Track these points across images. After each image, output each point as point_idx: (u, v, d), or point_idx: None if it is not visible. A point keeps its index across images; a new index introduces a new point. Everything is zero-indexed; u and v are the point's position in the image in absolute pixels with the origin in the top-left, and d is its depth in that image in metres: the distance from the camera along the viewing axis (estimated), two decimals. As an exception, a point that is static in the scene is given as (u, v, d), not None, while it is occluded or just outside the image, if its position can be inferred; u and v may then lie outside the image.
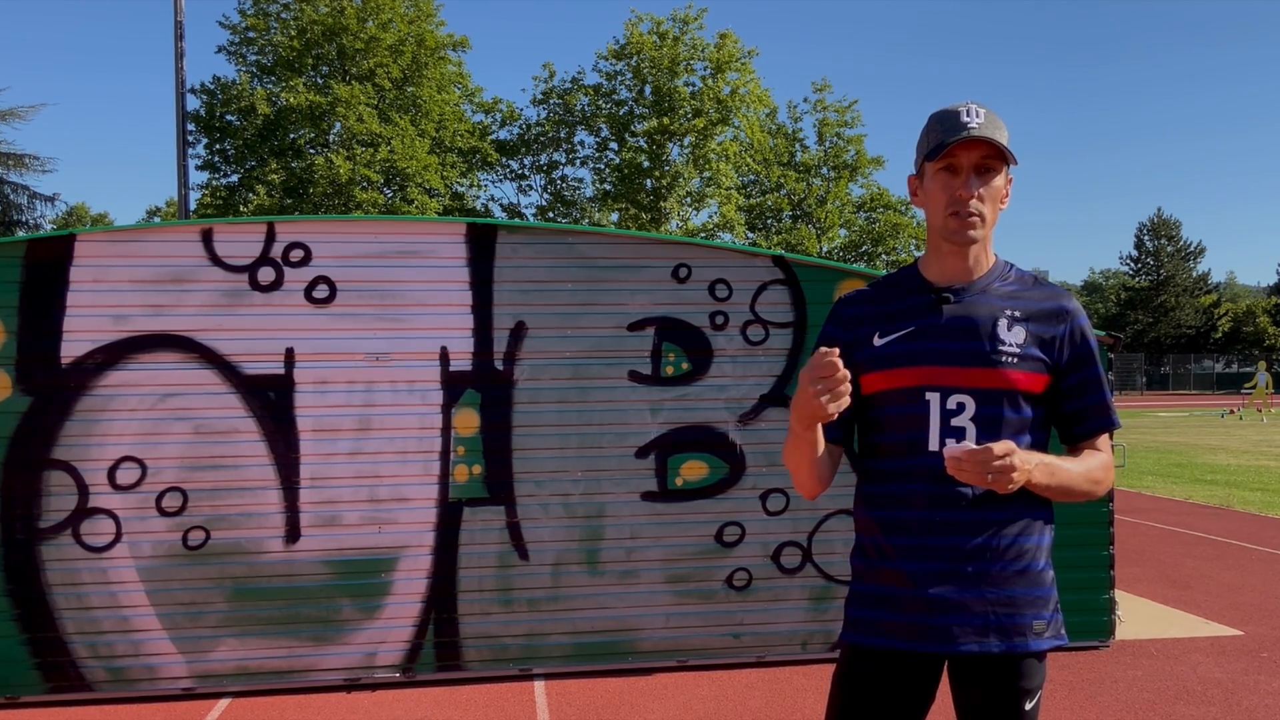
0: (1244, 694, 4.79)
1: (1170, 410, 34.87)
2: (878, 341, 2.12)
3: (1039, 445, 2.08)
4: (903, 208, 36.70)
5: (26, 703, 4.73)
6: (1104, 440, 2.14)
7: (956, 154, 2.02)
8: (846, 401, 1.87)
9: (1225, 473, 14.28)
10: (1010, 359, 2.03)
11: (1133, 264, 65.40)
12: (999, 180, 2.06)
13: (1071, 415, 2.11)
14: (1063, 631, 2.11)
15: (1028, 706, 2.06)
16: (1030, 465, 1.93)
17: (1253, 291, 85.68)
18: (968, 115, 2.02)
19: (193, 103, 28.45)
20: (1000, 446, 1.86)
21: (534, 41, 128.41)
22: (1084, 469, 2.06)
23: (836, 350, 1.85)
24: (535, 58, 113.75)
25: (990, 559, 2.02)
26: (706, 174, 32.80)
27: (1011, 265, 2.16)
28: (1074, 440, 2.13)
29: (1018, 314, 2.07)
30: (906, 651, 2.06)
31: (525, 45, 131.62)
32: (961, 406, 2.03)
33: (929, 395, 2.04)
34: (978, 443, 1.98)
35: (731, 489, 5.20)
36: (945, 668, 2.13)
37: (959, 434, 2.01)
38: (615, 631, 5.12)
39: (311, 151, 29.99)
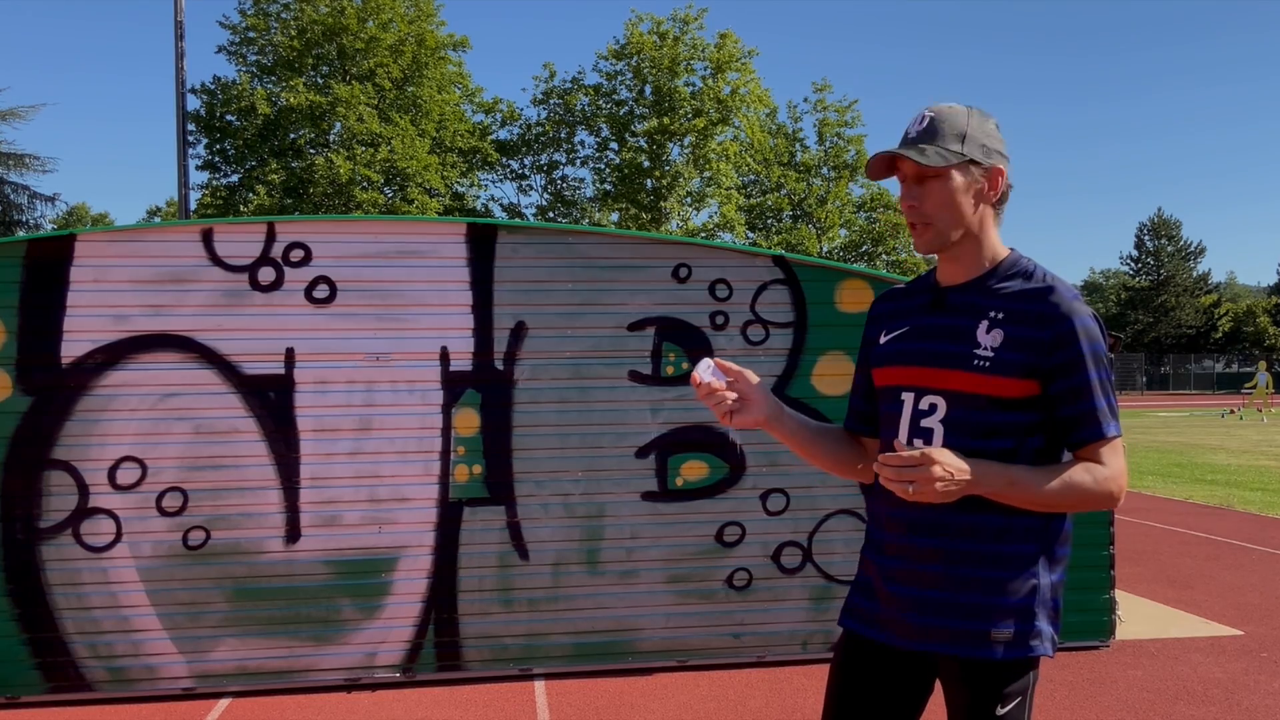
0: (1244, 694, 4.79)
1: (1170, 410, 34.88)
2: (883, 339, 2.18)
3: (1028, 451, 2.00)
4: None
5: (26, 703, 4.73)
6: (1107, 450, 1.98)
7: (898, 165, 2.07)
8: (732, 409, 2.12)
9: (1225, 473, 14.28)
10: (982, 363, 1.98)
11: (1133, 264, 65.43)
12: (950, 184, 2.01)
13: (1064, 423, 2.01)
14: (1034, 643, 1.99)
15: (1000, 711, 2.00)
16: (970, 475, 1.89)
17: (1253, 291, 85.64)
18: (912, 124, 2.06)
19: (193, 103, 28.48)
20: (911, 454, 1.86)
21: (534, 41, 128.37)
22: (1064, 482, 1.95)
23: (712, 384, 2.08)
24: (535, 58, 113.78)
25: (957, 562, 1.99)
26: (707, 174, 32.82)
27: (1019, 263, 2.08)
28: (1071, 449, 2.03)
29: (1001, 316, 2.01)
30: (884, 643, 2.10)
31: (525, 45, 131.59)
32: (933, 408, 2.03)
33: (904, 395, 2.07)
34: (945, 444, 1.98)
35: (732, 489, 5.20)
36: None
37: (927, 435, 2.02)
38: (615, 631, 5.12)
39: (311, 151, 30.00)
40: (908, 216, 2.08)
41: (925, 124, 2.04)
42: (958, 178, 2.02)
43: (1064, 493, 1.95)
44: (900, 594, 2.05)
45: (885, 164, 2.09)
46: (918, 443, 2.02)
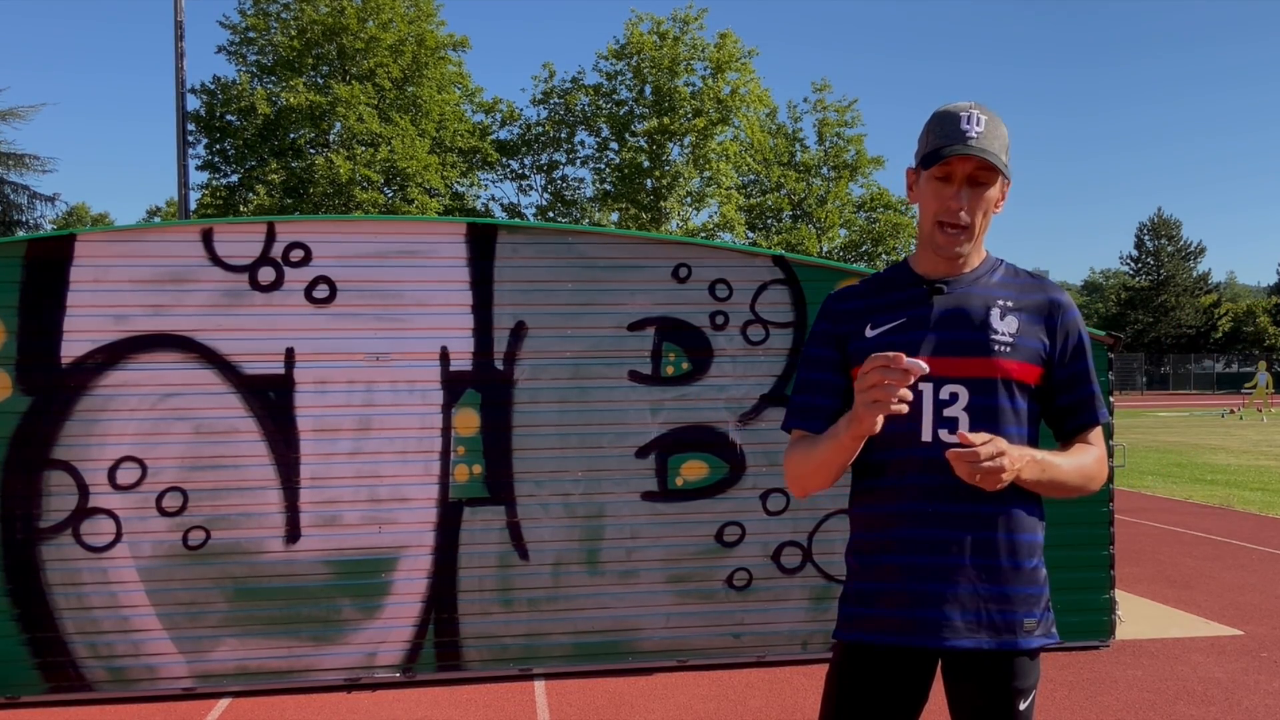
0: (1244, 694, 4.79)
1: (1170, 410, 34.88)
2: (869, 333, 2.10)
3: (1030, 440, 2.06)
4: (903, 207, 36.70)
5: (26, 703, 4.73)
6: (1096, 434, 2.13)
7: (952, 164, 2.02)
8: (905, 407, 1.85)
9: (1225, 473, 14.28)
10: (1004, 348, 2.02)
11: (1133, 264, 65.42)
12: (992, 192, 2.05)
13: (1064, 410, 2.10)
14: (1053, 630, 2.09)
15: (1022, 706, 2.05)
16: (1021, 463, 1.92)
17: (1253, 291, 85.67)
18: (968, 123, 2.00)
19: (193, 103, 28.48)
20: (988, 447, 1.85)
21: (534, 41, 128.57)
22: (1075, 464, 2.05)
23: (900, 356, 1.81)
24: (535, 58, 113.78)
25: (983, 553, 2.01)
26: (706, 174, 32.81)
27: (1001, 260, 2.16)
28: (1066, 436, 2.13)
29: (1010, 304, 2.06)
30: (898, 647, 2.05)
31: (525, 45, 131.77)
32: (955, 397, 2.01)
33: (921, 386, 2.02)
34: (971, 432, 1.97)
35: (732, 489, 5.20)
36: (940, 666, 2.12)
37: (952, 424, 2.00)
38: (615, 631, 5.12)
39: (311, 151, 30.01)
40: (949, 217, 2.03)
41: (984, 127, 2.01)
42: (998, 188, 2.07)
43: (1078, 475, 2.04)
44: (930, 592, 2.01)
45: (960, 157, 1.99)
46: (943, 433, 2.00)
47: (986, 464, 1.84)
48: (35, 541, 4.74)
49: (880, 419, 1.86)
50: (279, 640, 4.89)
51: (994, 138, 2.02)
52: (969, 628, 2.00)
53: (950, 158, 1.99)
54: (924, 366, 1.82)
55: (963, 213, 2.02)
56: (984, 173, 2.02)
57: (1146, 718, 4.52)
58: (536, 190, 35.05)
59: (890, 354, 1.82)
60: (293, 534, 4.91)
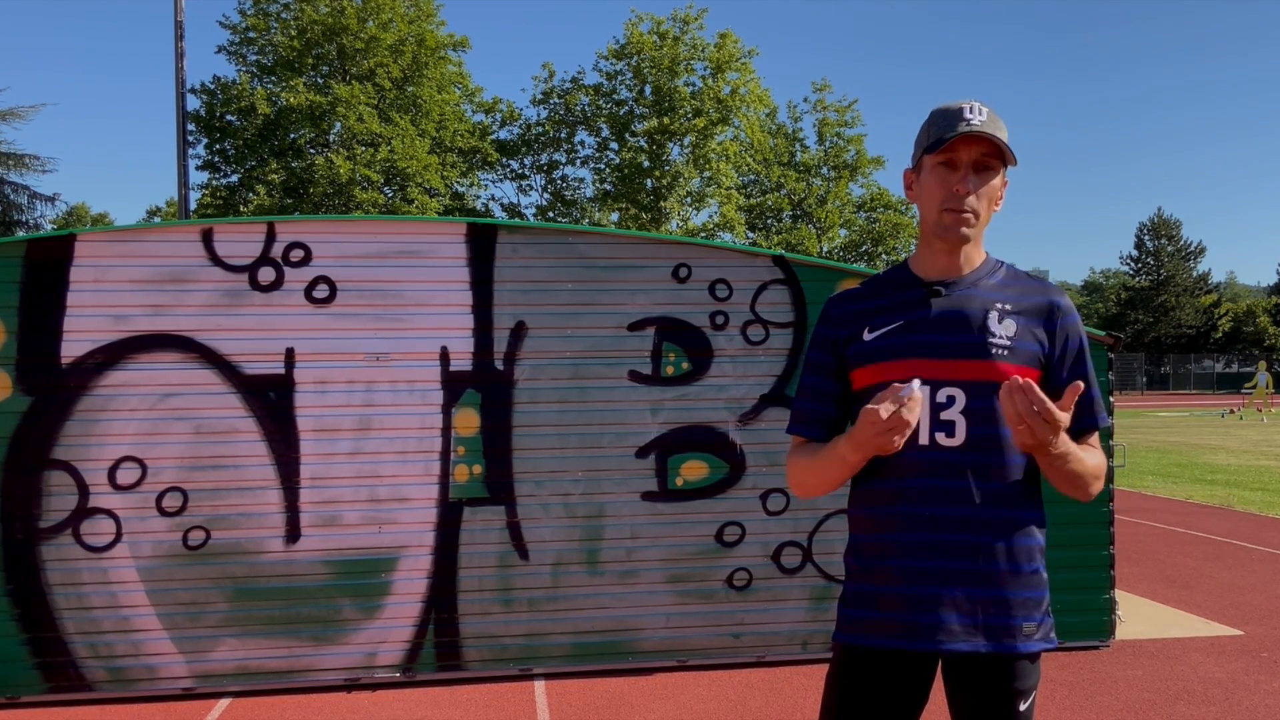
0: (1244, 694, 4.79)
1: (1170, 410, 34.87)
2: (867, 336, 2.11)
3: None
4: (903, 207, 36.72)
5: (26, 703, 4.73)
6: (1095, 438, 2.13)
7: (957, 149, 2.02)
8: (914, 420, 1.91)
9: (1225, 473, 14.28)
10: (1001, 351, 2.02)
11: (1133, 264, 65.41)
12: (996, 180, 2.06)
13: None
14: (1052, 635, 2.09)
15: (1022, 707, 2.05)
16: (1067, 447, 1.93)
17: (1253, 291, 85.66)
18: (970, 112, 2.01)
19: (193, 103, 28.48)
20: (1055, 412, 1.84)
21: (534, 41, 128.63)
22: (1094, 463, 2.05)
23: (915, 396, 1.87)
24: (535, 58, 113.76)
25: (982, 557, 2.00)
26: (706, 174, 32.81)
27: (1002, 262, 2.15)
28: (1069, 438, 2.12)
29: (1009, 307, 2.06)
30: (897, 650, 2.05)
31: (525, 45, 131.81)
32: (952, 399, 2.01)
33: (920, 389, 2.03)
34: (968, 436, 1.99)
35: (732, 489, 5.20)
36: (940, 668, 2.12)
37: (949, 427, 2.00)
38: (615, 631, 5.12)
39: (311, 151, 30.00)
40: (960, 204, 2.02)
41: (986, 116, 2.02)
42: (1001, 179, 2.08)
43: (1092, 474, 2.03)
44: (928, 595, 2.00)
45: (965, 142, 2.01)
46: (940, 436, 2.00)
47: (1037, 419, 1.83)
48: (35, 541, 4.74)
49: (899, 441, 1.90)
50: (279, 640, 4.89)
51: (996, 128, 2.02)
52: (967, 631, 2.00)
53: (956, 142, 2.00)
54: (916, 389, 1.88)
55: (970, 197, 2.02)
56: (990, 158, 2.03)
57: (1146, 718, 4.52)
58: (536, 190, 35.08)
59: (887, 396, 1.87)
60: (293, 534, 4.91)
